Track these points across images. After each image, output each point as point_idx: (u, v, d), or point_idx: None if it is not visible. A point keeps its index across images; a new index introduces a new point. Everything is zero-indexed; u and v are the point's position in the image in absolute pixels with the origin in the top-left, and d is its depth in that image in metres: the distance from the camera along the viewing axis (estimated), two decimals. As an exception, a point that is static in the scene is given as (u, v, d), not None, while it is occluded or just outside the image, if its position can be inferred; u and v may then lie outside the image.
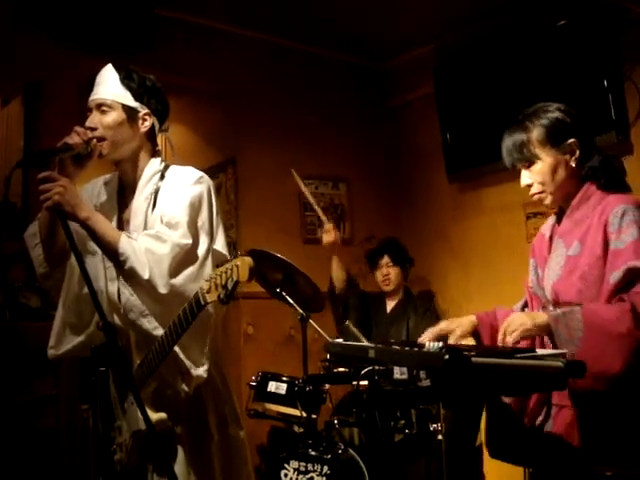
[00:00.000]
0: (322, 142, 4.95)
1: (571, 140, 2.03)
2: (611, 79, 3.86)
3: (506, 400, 2.03)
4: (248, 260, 1.83)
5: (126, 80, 2.16)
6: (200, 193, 2.14)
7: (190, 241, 2.08)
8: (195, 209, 2.12)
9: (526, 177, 2.09)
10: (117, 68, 2.18)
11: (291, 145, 4.79)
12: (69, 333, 2.18)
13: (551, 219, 2.18)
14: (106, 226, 2.06)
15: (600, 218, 1.94)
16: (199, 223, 2.12)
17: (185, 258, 2.06)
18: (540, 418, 1.97)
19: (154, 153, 2.26)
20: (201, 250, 2.10)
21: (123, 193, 2.27)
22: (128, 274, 2.01)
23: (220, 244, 2.16)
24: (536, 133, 2.04)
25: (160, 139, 2.33)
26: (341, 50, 5.07)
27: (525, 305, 2.27)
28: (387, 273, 4.11)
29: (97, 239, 2.04)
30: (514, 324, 1.85)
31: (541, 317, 1.86)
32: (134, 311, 2.03)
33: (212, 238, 2.14)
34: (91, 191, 2.31)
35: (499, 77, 4.42)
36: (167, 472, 1.86)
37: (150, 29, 3.95)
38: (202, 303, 1.92)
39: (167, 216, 2.11)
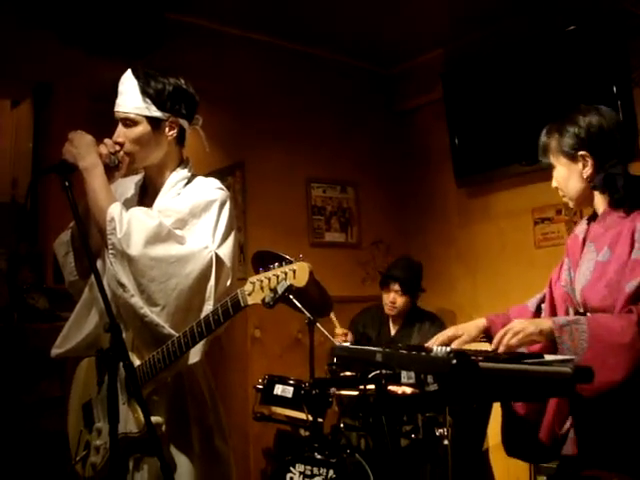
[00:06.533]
0: (330, 146, 4.95)
1: (582, 152, 2.02)
2: (620, 85, 3.86)
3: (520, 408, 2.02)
4: (307, 265, 1.79)
5: (146, 89, 2.11)
6: (211, 199, 2.12)
7: (182, 233, 2.05)
8: (200, 209, 2.09)
9: (554, 179, 2.13)
10: (136, 74, 2.13)
11: (299, 149, 4.79)
12: (73, 333, 2.18)
13: (585, 221, 2.17)
14: (102, 185, 2.04)
15: (630, 225, 1.92)
16: (200, 223, 2.09)
17: (168, 237, 2.01)
18: (568, 424, 1.94)
19: (182, 159, 2.24)
20: (192, 245, 2.03)
21: (145, 194, 2.26)
22: (109, 235, 1.97)
23: (222, 252, 2.07)
24: (555, 141, 2.07)
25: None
26: (350, 54, 5.07)
27: (542, 301, 2.23)
28: (394, 300, 4.09)
29: (89, 193, 2.03)
30: (514, 329, 1.82)
31: (546, 324, 1.83)
32: (113, 281, 1.98)
33: (214, 242, 2.07)
34: (125, 184, 2.30)
35: (507, 82, 4.41)
36: (163, 468, 1.77)
37: (160, 33, 3.96)
38: (242, 305, 1.86)
39: (170, 209, 2.11)
